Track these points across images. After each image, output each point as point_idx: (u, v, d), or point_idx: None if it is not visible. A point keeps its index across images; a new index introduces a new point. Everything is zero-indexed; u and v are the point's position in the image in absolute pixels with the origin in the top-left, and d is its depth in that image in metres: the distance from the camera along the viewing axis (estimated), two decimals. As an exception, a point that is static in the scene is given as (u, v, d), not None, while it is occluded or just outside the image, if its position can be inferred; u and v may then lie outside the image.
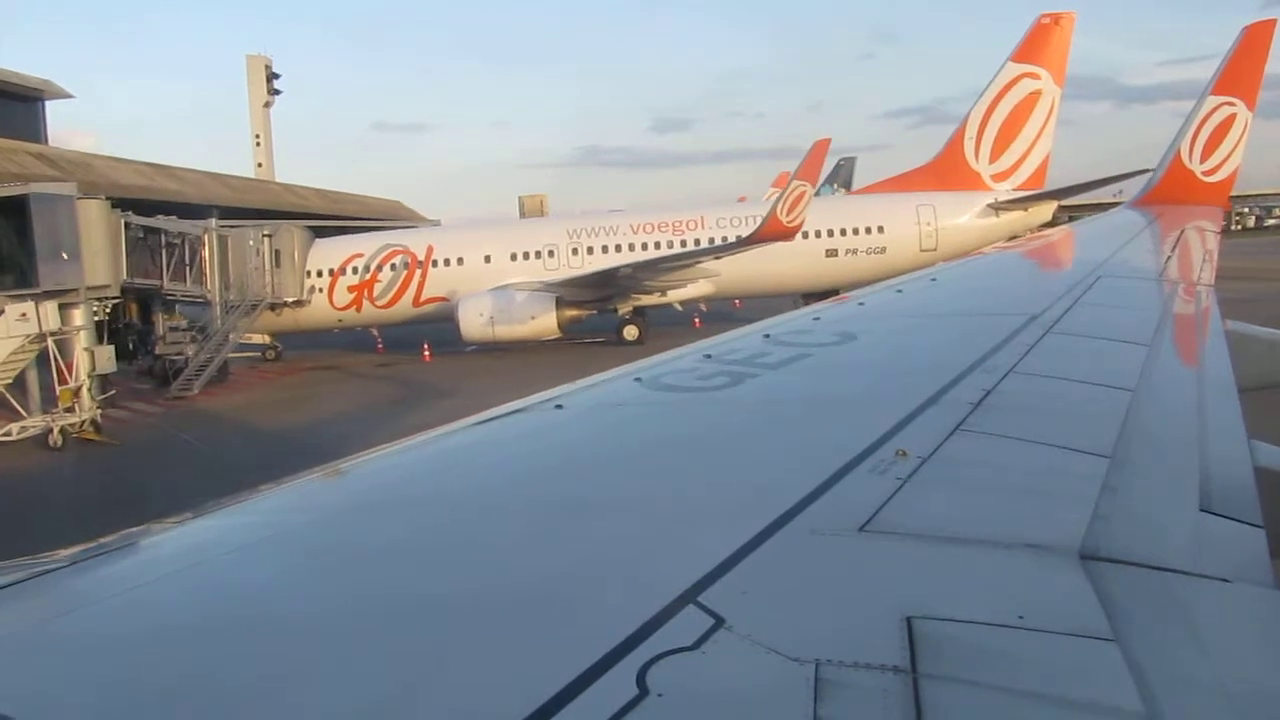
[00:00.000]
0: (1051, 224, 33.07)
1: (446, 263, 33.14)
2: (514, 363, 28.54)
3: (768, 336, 4.09)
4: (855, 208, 35.40)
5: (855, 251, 33.42)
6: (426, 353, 31.71)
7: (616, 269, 31.26)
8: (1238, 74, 11.36)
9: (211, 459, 18.81)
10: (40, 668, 1.54)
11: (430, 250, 33.24)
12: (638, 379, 3.41)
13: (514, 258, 33.19)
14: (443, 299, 32.26)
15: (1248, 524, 2.17)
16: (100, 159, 40.10)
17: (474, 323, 30.39)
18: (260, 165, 70.58)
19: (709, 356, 3.74)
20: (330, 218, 49.05)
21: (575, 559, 1.87)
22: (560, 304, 30.59)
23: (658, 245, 32.62)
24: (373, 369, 31.16)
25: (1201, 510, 2.23)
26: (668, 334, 32.20)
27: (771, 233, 29.51)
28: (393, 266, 33.07)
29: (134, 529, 2.21)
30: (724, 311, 36.38)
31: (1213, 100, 11.29)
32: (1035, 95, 33.95)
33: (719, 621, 1.51)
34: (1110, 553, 1.86)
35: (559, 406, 3.12)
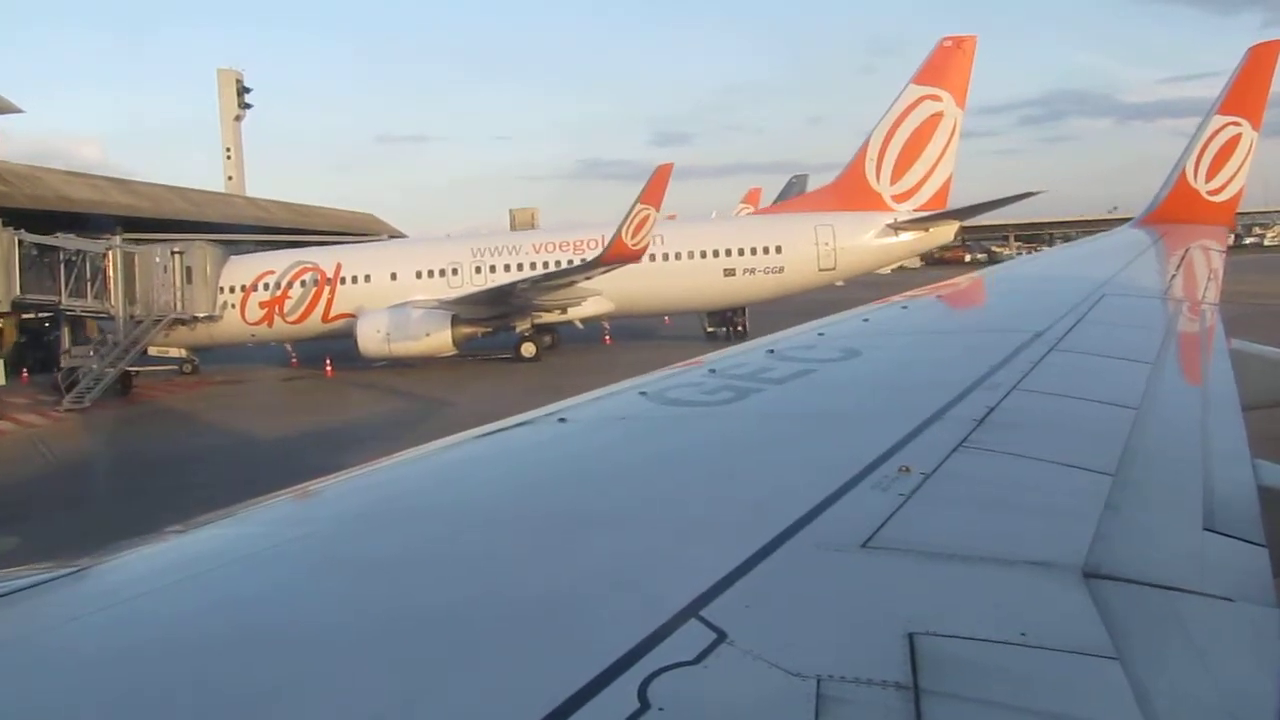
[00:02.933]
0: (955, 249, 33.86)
1: (354, 280, 34.08)
2: (412, 377, 29.93)
3: (772, 352, 4.10)
4: (754, 228, 36.08)
5: (753, 271, 34.14)
6: (329, 368, 33.00)
7: (500, 287, 32.13)
8: (1243, 94, 11.37)
9: (55, 469, 20.34)
10: (41, 677, 1.54)
11: (339, 268, 34.25)
12: (642, 393, 3.42)
13: (419, 275, 34.07)
14: (351, 315, 32.94)
15: (1251, 543, 2.17)
16: (52, 173, 40.31)
17: (372, 339, 31.24)
18: (231, 178, 71.21)
19: (713, 371, 3.74)
20: (295, 231, 49.76)
21: (577, 572, 1.87)
22: (456, 321, 31.42)
23: (558, 264, 33.00)
24: (276, 383, 32.92)
25: (1205, 529, 2.23)
26: (579, 351, 34.52)
27: (617, 255, 30.27)
28: (303, 283, 34.00)
29: (136, 539, 2.22)
30: (648, 328, 37.99)
31: (1218, 120, 11.31)
32: (937, 117, 34.48)
33: (721, 636, 1.51)
34: (1113, 570, 1.86)
35: (562, 420, 3.12)
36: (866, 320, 5.32)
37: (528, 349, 32.74)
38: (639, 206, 30.21)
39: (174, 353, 34.36)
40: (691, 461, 2.73)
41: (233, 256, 35.41)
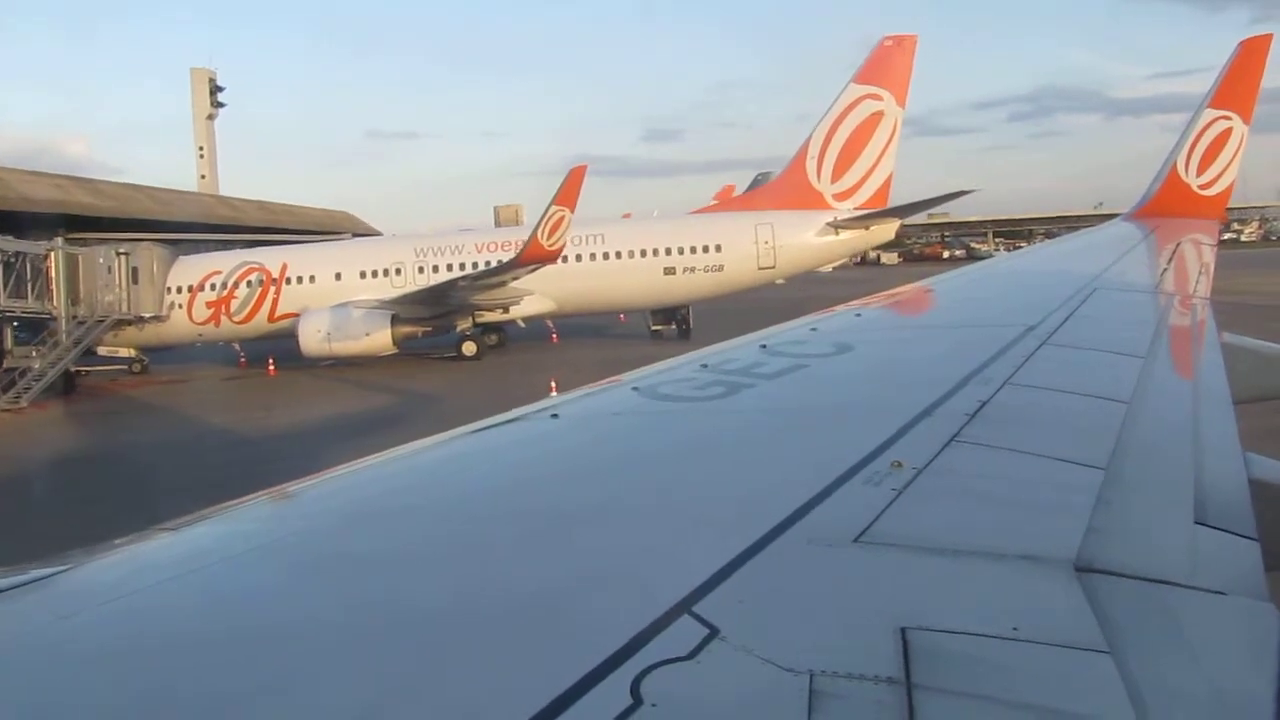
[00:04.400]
0: (899, 245, 34.71)
1: (299, 280, 34.60)
2: (351, 376, 30.80)
3: (764, 347, 4.10)
4: (694, 227, 36.36)
5: (693, 270, 34.61)
6: (271, 367, 33.60)
7: (433, 287, 32.64)
8: (1234, 88, 11.40)
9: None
10: (28, 676, 1.53)
11: (284, 268, 34.81)
12: (634, 388, 3.41)
13: (363, 275, 34.60)
14: (296, 315, 33.29)
15: (1243, 536, 2.17)
16: (13, 172, 40.49)
17: (312, 338, 31.76)
18: (204, 177, 71.54)
19: (705, 366, 3.74)
20: (265, 230, 49.95)
21: (570, 568, 1.87)
22: (396, 321, 31.91)
23: (500, 263, 33.28)
24: (217, 382, 33.72)
25: (1196, 523, 2.23)
26: (524, 349, 35.36)
27: (533, 256, 30.82)
28: (249, 284, 34.55)
29: (129, 535, 2.21)
30: (597, 326, 38.79)
31: (1209, 114, 11.33)
32: (877, 116, 34.91)
33: (713, 631, 1.51)
34: (1105, 565, 1.86)
35: (554, 415, 3.12)
36: (859, 315, 5.32)
37: (469, 348, 33.29)
38: (554, 208, 30.71)
39: (123, 352, 35.07)
40: (684, 457, 2.72)
41: (181, 257, 36.08)
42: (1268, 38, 11.54)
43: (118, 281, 32.88)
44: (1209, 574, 1.92)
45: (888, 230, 36.90)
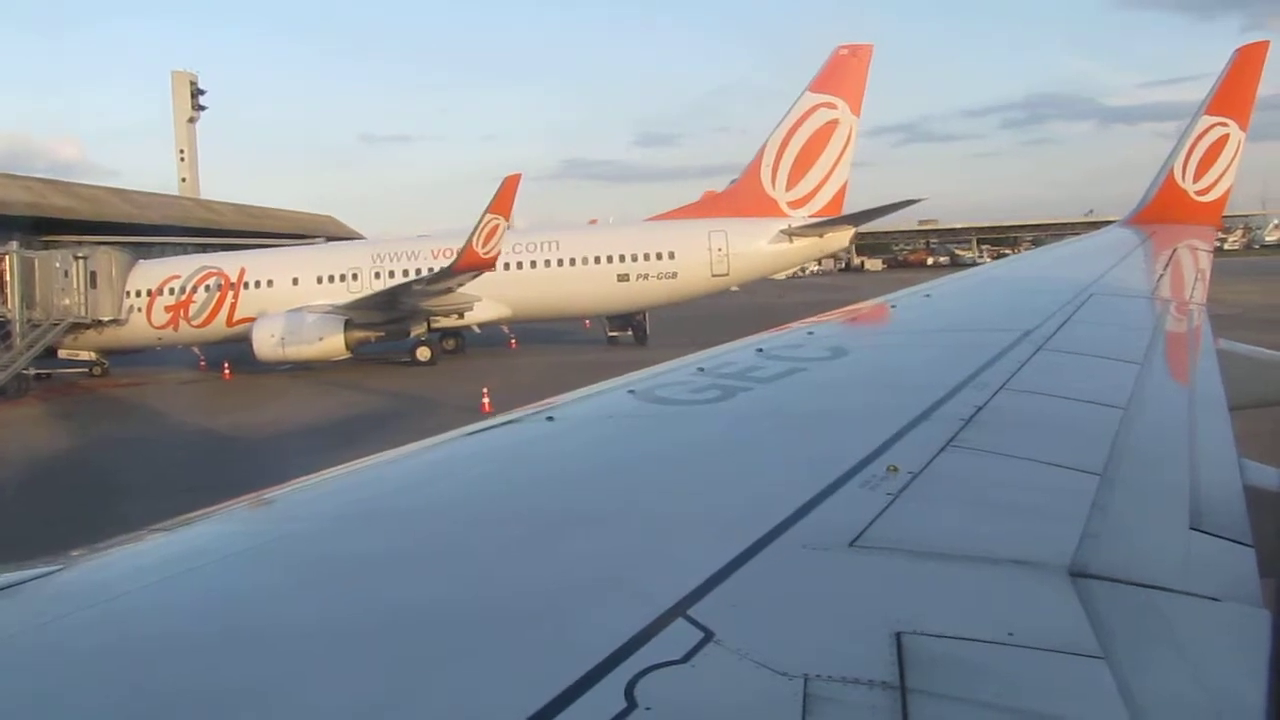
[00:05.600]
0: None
1: (257, 284, 35.03)
2: (303, 380, 31.25)
3: (761, 350, 4.10)
4: (649, 234, 36.63)
5: (647, 276, 34.98)
6: (227, 371, 34.15)
7: (380, 293, 32.87)
8: (1231, 94, 11.43)
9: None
10: (28, 674, 1.53)
11: (243, 273, 35.24)
12: (630, 391, 3.41)
13: (320, 280, 35.01)
14: (254, 319, 33.54)
15: (1238, 543, 2.17)
16: None
17: (266, 343, 32.03)
18: (185, 180, 71.76)
19: (702, 370, 3.74)
20: (243, 234, 50.24)
21: (564, 571, 1.87)
22: (349, 326, 32.23)
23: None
24: (173, 385, 34.00)
25: (1191, 529, 2.23)
26: (481, 355, 35.61)
27: (469, 264, 31.21)
28: (207, 288, 35.02)
29: (124, 535, 2.20)
30: (557, 332, 39.30)
31: (1206, 120, 11.36)
32: (832, 124, 35.29)
33: (708, 635, 1.50)
34: (1100, 570, 1.86)
35: (550, 418, 3.11)
36: (855, 319, 5.33)
37: (423, 353, 33.73)
38: (488, 216, 31.04)
39: (84, 355, 35.44)
40: (679, 460, 2.72)
41: (140, 261, 36.57)
42: (1264, 45, 11.57)
43: (75, 285, 33.39)
44: (1204, 580, 1.92)
45: (842, 238, 37.43)
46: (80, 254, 34.08)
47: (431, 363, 33.35)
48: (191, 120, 73.93)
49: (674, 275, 34.84)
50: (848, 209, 36.20)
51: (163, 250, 42.04)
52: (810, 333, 4.71)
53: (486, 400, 21.29)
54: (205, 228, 51.22)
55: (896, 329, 5.35)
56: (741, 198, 36.09)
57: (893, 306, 5.95)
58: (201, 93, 74.46)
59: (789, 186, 35.54)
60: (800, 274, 65.83)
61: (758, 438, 2.93)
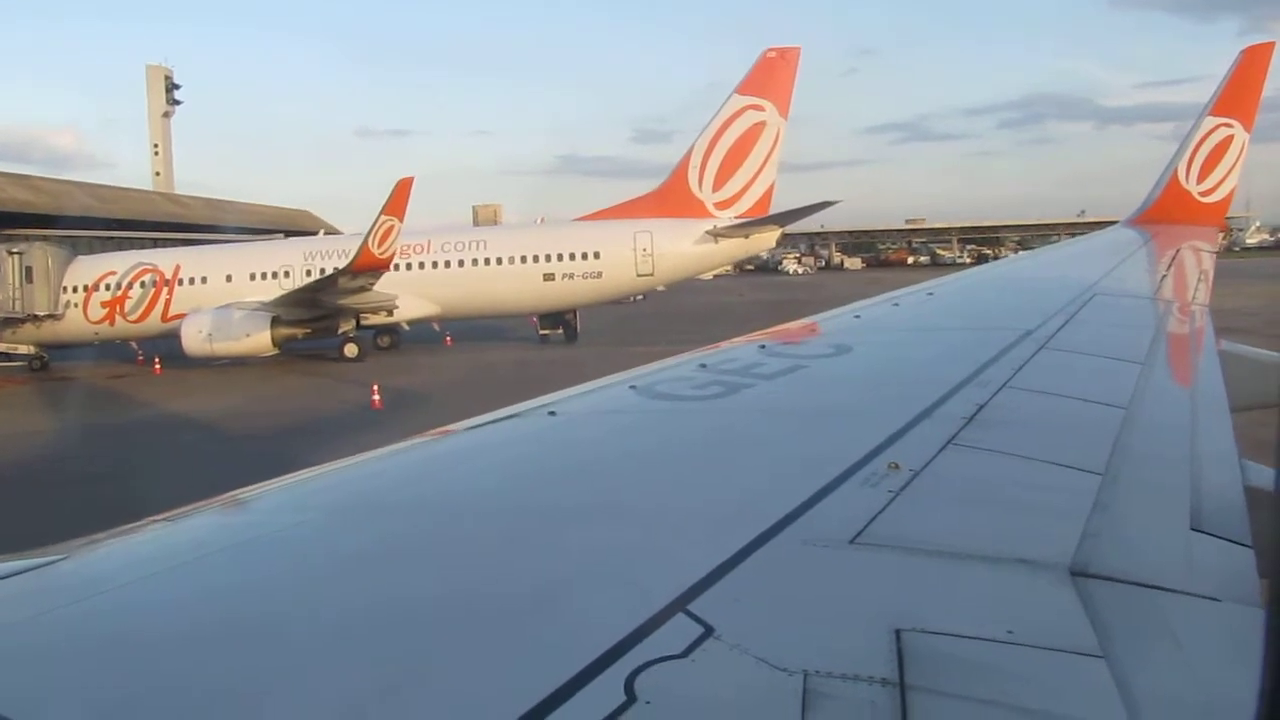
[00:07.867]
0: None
1: (192, 281, 35.35)
2: (232, 375, 31.49)
3: (763, 347, 4.10)
4: (575, 234, 36.86)
5: (572, 276, 35.27)
6: (157, 366, 34.30)
7: (300, 290, 33.15)
8: (1236, 95, 11.41)
9: None
10: (29, 663, 1.53)
11: (178, 269, 35.59)
12: (632, 386, 3.41)
13: (253, 277, 35.29)
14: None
15: (1238, 543, 2.18)
16: None
17: (194, 339, 32.27)
18: (159, 174, 71.56)
19: (704, 366, 3.74)
20: (213, 229, 50.36)
21: (565, 565, 1.87)
22: (276, 322, 32.41)
23: (395, 266, 33.82)
24: (102, 380, 33.59)
25: (1192, 529, 2.24)
26: (414, 351, 35.95)
27: (366, 265, 31.65)
28: (142, 284, 35.35)
29: (121, 527, 2.21)
30: (494, 330, 39.77)
31: (1210, 121, 11.35)
32: (760, 127, 35.42)
33: (708, 630, 1.51)
34: (1100, 569, 1.87)
35: (552, 413, 3.11)
36: (858, 317, 5.32)
37: (350, 350, 34.04)
38: (383, 218, 31.44)
39: (23, 349, 35.78)
40: (680, 456, 2.72)
41: (78, 257, 36.89)
42: (1270, 46, 11.55)
43: (10, 280, 33.78)
44: (1204, 580, 1.93)
45: (768, 239, 37.74)
46: (15, 249, 34.41)
47: (360, 359, 33.56)
48: (166, 115, 73.78)
49: (599, 275, 35.18)
50: (774, 209, 36.52)
51: (130, 244, 41.94)
52: (814, 330, 4.71)
53: (376, 397, 22.56)
54: (173, 222, 51.09)
55: (899, 326, 5.35)
56: (669, 198, 36.21)
57: (895, 304, 5.94)
58: (177, 87, 74.31)
59: (716, 187, 35.75)
60: (728, 273, 65.40)
61: (759, 434, 2.93)
